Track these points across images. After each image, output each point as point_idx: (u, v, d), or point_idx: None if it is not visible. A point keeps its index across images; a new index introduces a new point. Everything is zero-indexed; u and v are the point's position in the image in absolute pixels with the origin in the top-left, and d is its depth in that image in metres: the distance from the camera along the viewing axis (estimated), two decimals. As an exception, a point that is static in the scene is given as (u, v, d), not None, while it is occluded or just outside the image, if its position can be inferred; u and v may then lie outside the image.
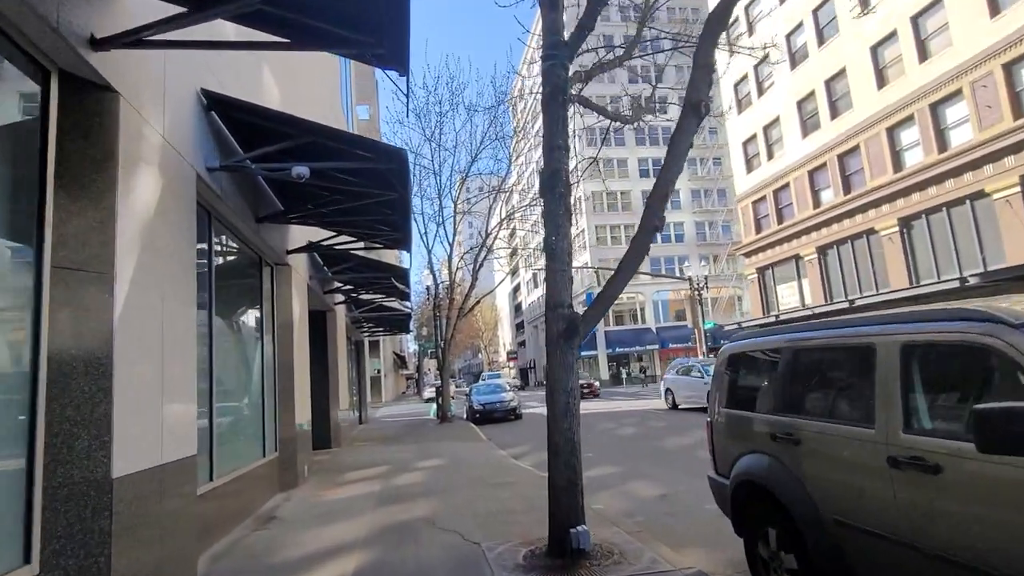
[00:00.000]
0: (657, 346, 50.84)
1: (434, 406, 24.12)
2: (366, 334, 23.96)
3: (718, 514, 6.22)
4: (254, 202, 7.33)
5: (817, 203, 24.54)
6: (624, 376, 47.71)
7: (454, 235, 20.85)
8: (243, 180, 6.88)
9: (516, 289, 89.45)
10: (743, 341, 4.26)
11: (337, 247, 9.77)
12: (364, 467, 10.67)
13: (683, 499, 7.02)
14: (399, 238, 8.73)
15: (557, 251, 4.79)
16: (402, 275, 11.57)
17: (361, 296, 15.51)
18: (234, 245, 7.52)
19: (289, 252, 9.29)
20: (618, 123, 7.64)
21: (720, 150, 56.27)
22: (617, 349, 50.98)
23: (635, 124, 7.89)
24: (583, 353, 53.96)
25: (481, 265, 20.86)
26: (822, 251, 24.39)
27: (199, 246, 6.16)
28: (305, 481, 9.43)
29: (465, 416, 22.92)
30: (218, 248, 7.16)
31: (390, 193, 6.70)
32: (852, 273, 22.98)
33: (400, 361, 69.29)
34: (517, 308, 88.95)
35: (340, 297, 14.95)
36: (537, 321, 73.04)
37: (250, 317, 8.17)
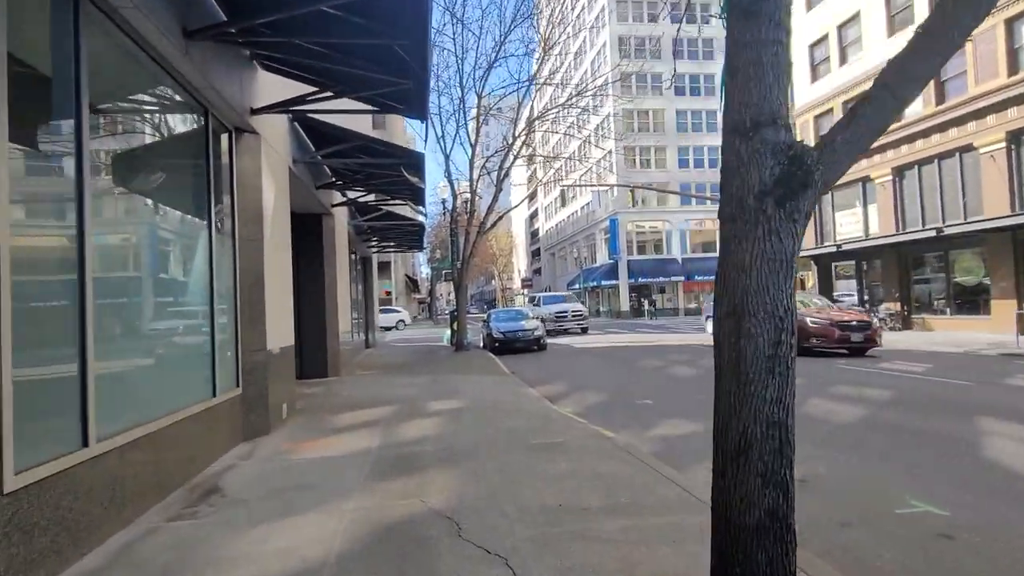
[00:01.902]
0: (682, 278, 48.01)
1: (448, 332, 21.93)
2: (374, 250, 21.43)
3: (931, 531, 3.68)
4: None
5: (898, 116, 20.98)
6: (646, 309, 45.21)
7: (477, 135, 17.80)
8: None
9: (533, 216, 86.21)
10: None
11: (323, 109, 7.03)
12: (362, 406, 8.38)
13: (834, 488, 4.55)
14: (409, 90, 5.93)
15: (761, 8, 2.07)
16: (415, 162, 8.78)
17: (364, 197, 12.83)
18: (150, 79, 4.80)
19: (255, 112, 6.56)
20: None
21: (765, 67, 51.21)
22: (639, 280, 48.24)
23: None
24: (603, 283, 51.30)
25: (507, 174, 17.94)
26: (899, 172, 21.08)
27: (53, 41, 3.52)
28: (282, 424, 7.15)
29: (482, 344, 20.74)
30: (120, 76, 4.48)
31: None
32: (935, 198, 19.76)
33: (412, 284, 67.51)
34: (533, 235, 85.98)
35: (339, 197, 12.30)
36: (554, 248, 70.12)
37: (186, 197, 5.56)
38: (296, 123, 8.63)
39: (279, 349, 7.25)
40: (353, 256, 17.04)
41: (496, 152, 18.46)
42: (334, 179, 10.60)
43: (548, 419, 7.17)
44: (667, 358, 14.90)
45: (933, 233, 18.09)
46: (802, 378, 10.45)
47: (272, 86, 7.03)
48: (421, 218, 16.22)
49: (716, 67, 50.83)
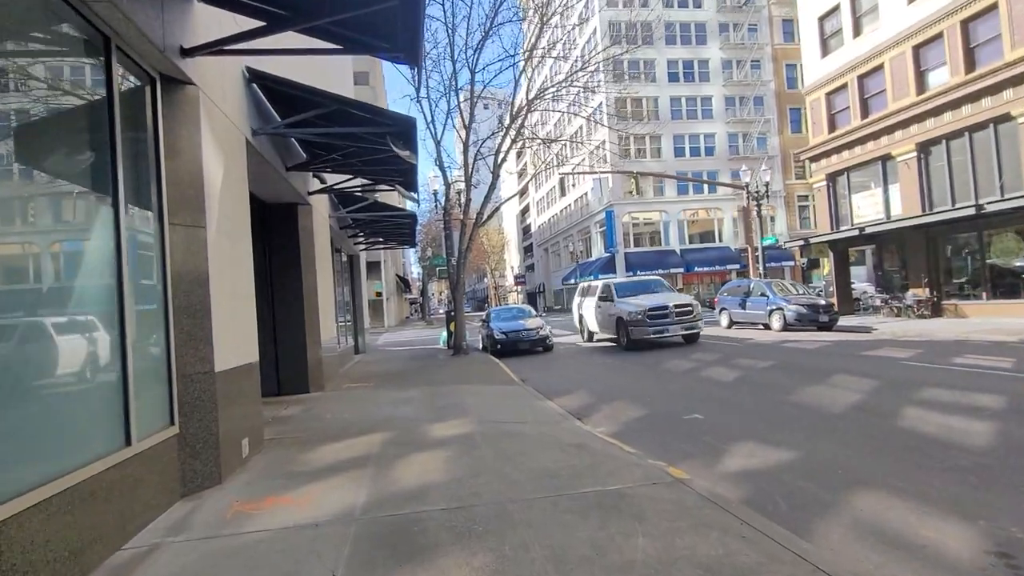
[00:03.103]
0: (682, 270, 46.60)
1: (444, 333, 20.27)
2: (362, 247, 19.70)
3: None
4: None
5: (922, 88, 19.53)
6: (646, 302, 43.58)
7: (471, 114, 16.13)
8: None
9: (524, 211, 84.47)
10: None
11: (281, 49, 5.36)
12: (348, 434, 6.72)
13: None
14: (394, 12, 4.29)
15: None
16: (405, 130, 7.09)
17: (346, 182, 11.14)
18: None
19: (187, 53, 4.87)
20: None
21: (760, 51, 49.82)
22: (638, 272, 46.76)
23: None
24: (599, 277, 49.68)
25: (504, 159, 16.30)
26: (924, 148, 19.61)
27: None
28: (241, 467, 5.48)
29: (481, 346, 19.10)
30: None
31: None
32: (966, 174, 18.30)
33: (403, 284, 65.71)
34: (526, 231, 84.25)
35: (316, 183, 10.60)
36: (547, 244, 68.41)
37: (71, 165, 3.88)
38: (255, 84, 6.94)
39: (235, 368, 5.58)
40: (338, 253, 15.35)
41: (492, 134, 16.82)
42: (307, 157, 8.90)
43: (586, 449, 5.55)
44: (692, 357, 13.32)
45: (972, 211, 16.62)
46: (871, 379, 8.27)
47: (215, 23, 5.35)
48: (412, 205, 14.51)
49: (710, 53, 49.40)
